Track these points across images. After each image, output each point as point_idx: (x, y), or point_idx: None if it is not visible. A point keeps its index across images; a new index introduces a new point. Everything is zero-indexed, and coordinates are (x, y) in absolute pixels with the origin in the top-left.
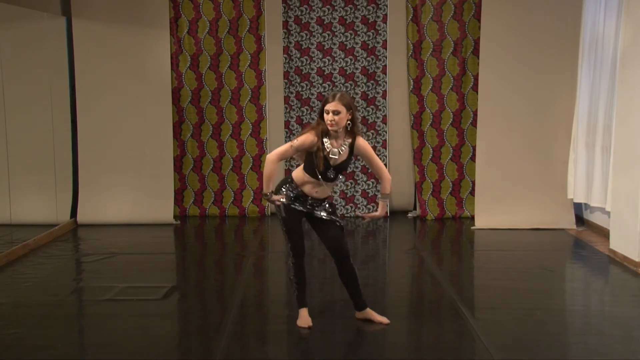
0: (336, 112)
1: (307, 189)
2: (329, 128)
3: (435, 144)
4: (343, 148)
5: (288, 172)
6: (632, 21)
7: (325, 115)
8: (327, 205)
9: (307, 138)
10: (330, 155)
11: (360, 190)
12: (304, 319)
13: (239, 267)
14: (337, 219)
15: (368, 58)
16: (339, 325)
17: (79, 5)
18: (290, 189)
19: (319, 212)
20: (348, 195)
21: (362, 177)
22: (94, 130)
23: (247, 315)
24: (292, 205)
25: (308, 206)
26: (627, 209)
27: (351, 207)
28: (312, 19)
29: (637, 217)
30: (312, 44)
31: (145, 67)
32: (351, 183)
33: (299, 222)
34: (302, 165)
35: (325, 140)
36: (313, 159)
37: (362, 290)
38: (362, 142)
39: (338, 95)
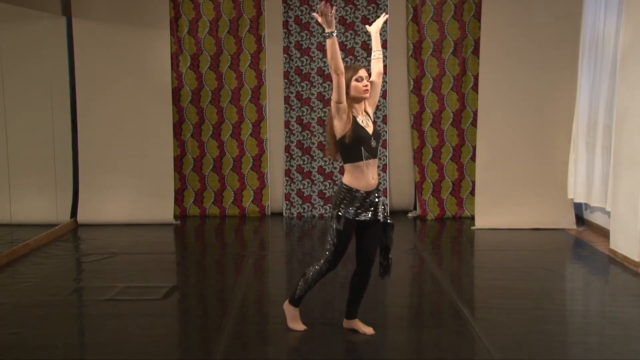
0: (368, 78)
1: (364, 182)
2: (365, 95)
3: (436, 143)
4: (367, 117)
5: (288, 171)
6: (632, 21)
7: (357, 83)
8: (384, 205)
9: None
10: (364, 125)
11: None
12: (299, 322)
13: (239, 267)
14: (390, 220)
15: (368, 58)
16: (339, 326)
17: (79, 5)
18: (352, 201)
19: (380, 215)
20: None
21: None
22: (94, 130)
23: (247, 315)
24: (358, 218)
25: (371, 209)
26: (627, 209)
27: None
28: (312, 18)
29: (637, 217)
30: (312, 44)
31: (146, 67)
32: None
33: (352, 236)
34: (346, 165)
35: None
36: (348, 144)
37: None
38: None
39: (358, 65)
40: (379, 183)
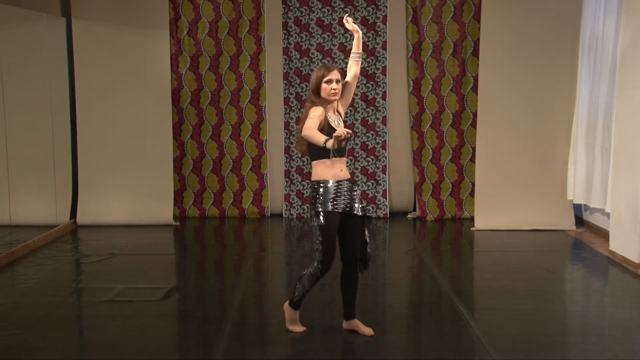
0: (338, 81)
1: (332, 173)
2: (332, 98)
3: (435, 145)
4: (338, 116)
5: (288, 172)
6: (632, 22)
7: (326, 85)
8: (360, 199)
9: (316, 111)
10: (334, 125)
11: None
12: (298, 324)
13: (239, 268)
14: (370, 213)
15: (368, 59)
16: (338, 327)
17: (79, 6)
18: (326, 193)
19: (357, 208)
20: None
21: (362, 178)
22: (93, 131)
23: (247, 316)
24: (335, 209)
25: (348, 201)
26: (626, 210)
27: None
28: (311, 20)
29: (637, 218)
30: (312, 45)
31: (145, 68)
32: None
33: (336, 231)
34: (314, 162)
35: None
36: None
37: (359, 294)
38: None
39: (332, 65)
40: (353, 177)
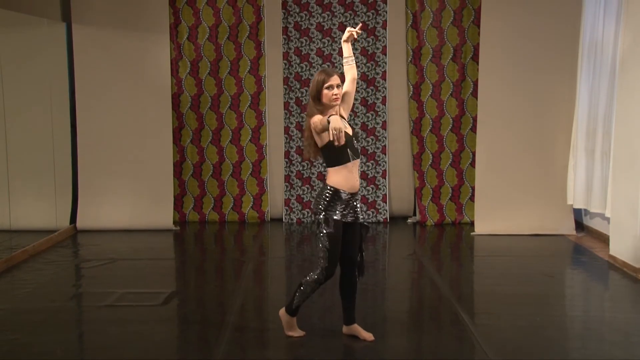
0: (339, 86)
1: (351, 183)
2: (334, 103)
3: (435, 149)
4: (344, 120)
5: (288, 177)
6: (632, 25)
7: (327, 91)
8: (360, 207)
9: (317, 117)
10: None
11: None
12: (296, 329)
13: (239, 272)
14: (366, 222)
15: (368, 64)
16: (338, 331)
17: (79, 11)
18: (337, 202)
19: (360, 216)
20: None
21: (362, 183)
22: (93, 135)
23: (247, 320)
24: (344, 219)
25: (353, 211)
26: (626, 214)
27: None
28: (311, 24)
29: (637, 223)
30: (312, 50)
31: (145, 72)
32: None
33: (341, 238)
34: (332, 169)
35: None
36: (335, 148)
37: (359, 299)
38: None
39: (332, 70)
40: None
